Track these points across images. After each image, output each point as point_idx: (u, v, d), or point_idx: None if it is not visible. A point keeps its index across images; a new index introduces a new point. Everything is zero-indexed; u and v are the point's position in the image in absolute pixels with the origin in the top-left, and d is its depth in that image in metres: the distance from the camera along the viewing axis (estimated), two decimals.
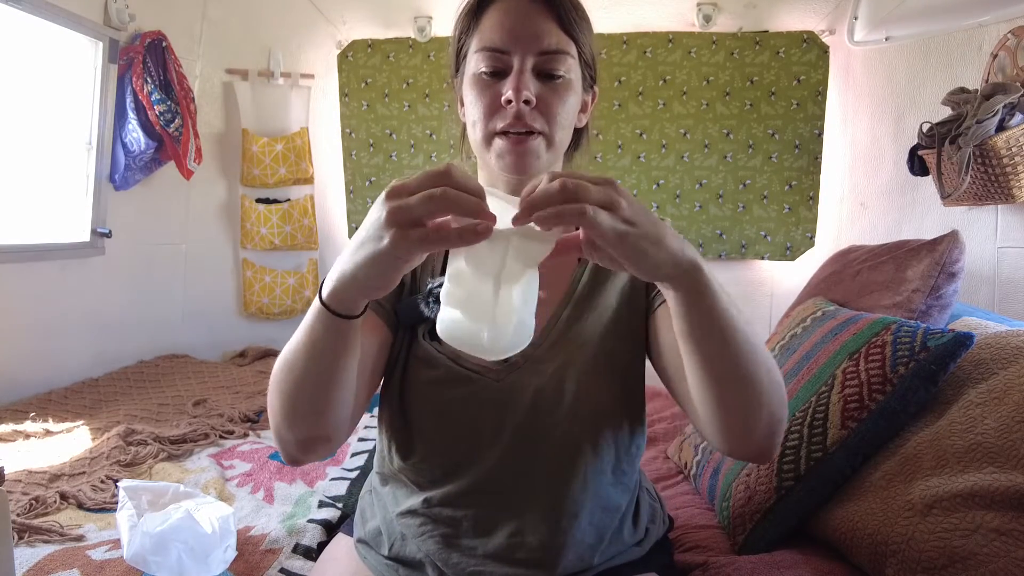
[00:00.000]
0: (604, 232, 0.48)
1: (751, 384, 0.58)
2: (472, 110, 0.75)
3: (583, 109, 0.80)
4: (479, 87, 0.73)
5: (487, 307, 0.51)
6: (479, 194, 0.49)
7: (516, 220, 0.49)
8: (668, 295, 0.56)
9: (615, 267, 0.53)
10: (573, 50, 0.74)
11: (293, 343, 0.61)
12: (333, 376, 0.61)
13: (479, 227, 0.48)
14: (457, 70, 0.80)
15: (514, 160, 0.72)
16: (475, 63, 0.74)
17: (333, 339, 0.58)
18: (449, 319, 0.53)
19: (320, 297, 0.56)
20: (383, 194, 0.49)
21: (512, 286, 0.51)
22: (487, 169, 0.79)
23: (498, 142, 0.73)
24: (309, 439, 0.66)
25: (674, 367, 0.71)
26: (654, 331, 0.76)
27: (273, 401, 0.65)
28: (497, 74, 0.72)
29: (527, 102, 0.70)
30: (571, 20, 0.73)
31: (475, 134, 0.75)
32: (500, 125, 0.72)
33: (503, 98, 0.71)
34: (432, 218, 0.48)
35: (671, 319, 0.67)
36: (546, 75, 0.72)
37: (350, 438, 1.70)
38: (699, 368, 0.59)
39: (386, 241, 0.48)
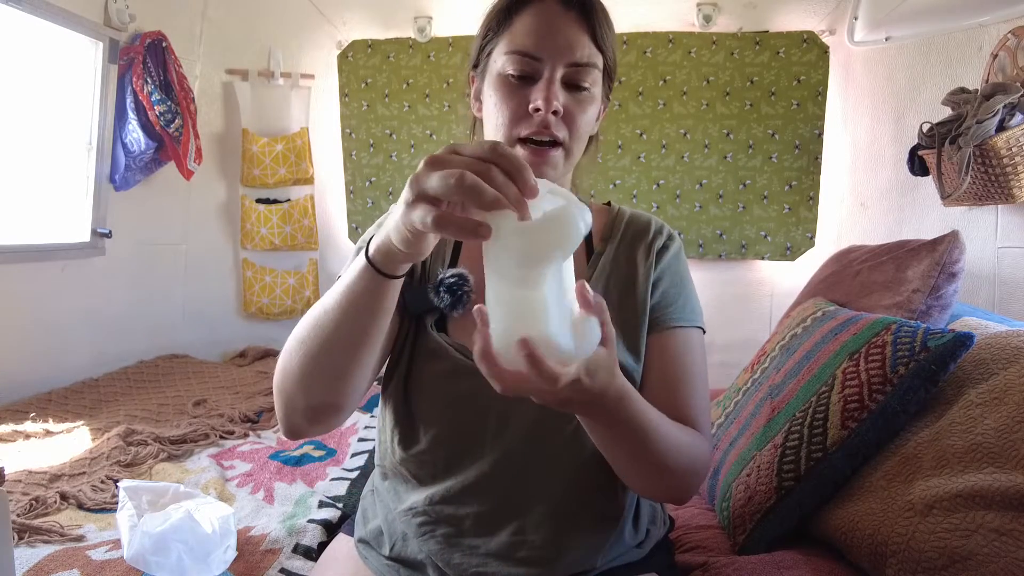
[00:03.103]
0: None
1: (653, 471, 0.66)
2: (496, 113, 0.74)
3: (596, 116, 0.80)
4: (505, 90, 0.73)
5: (526, 314, 0.47)
6: (516, 178, 0.46)
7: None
8: (585, 422, 0.62)
9: None
10: (600, 62, 0.74)
11: (327, 303, 0.63)
12: (365, 335, 0.63)
13: (479, 229, 0.46)
14: (476, 64, 0.80)
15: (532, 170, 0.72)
16: (502, 64, 0.73)
17: (371, 298, 0.60)
18: (500, 330, 0.48)
19: (366, 253, 0.58)
20: (426, 158, 0.49)
21: (540, 286, 0.47)
22: None
23: (519, 150, 0.72)
24: (322, 405, 0.67)
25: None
26: (647, 349, 0.77)
27: (290, 365, 0.66)
28: (524, 78, 0.72)
29: (555, 112, 0.70)
30: (603, 33, 0.73)
31: (496, 137, 0.74)
32: (524, 132, 0.72)
33: (531, 106, 0.71)
34: (449, 198, 0.47)
35: (665, 349, 0.76)
36: (573, 86, 0.72)
37: (349, 439, 1.70)
38: (608, 456, 0.67)
39: (401, 207, 0.51)
